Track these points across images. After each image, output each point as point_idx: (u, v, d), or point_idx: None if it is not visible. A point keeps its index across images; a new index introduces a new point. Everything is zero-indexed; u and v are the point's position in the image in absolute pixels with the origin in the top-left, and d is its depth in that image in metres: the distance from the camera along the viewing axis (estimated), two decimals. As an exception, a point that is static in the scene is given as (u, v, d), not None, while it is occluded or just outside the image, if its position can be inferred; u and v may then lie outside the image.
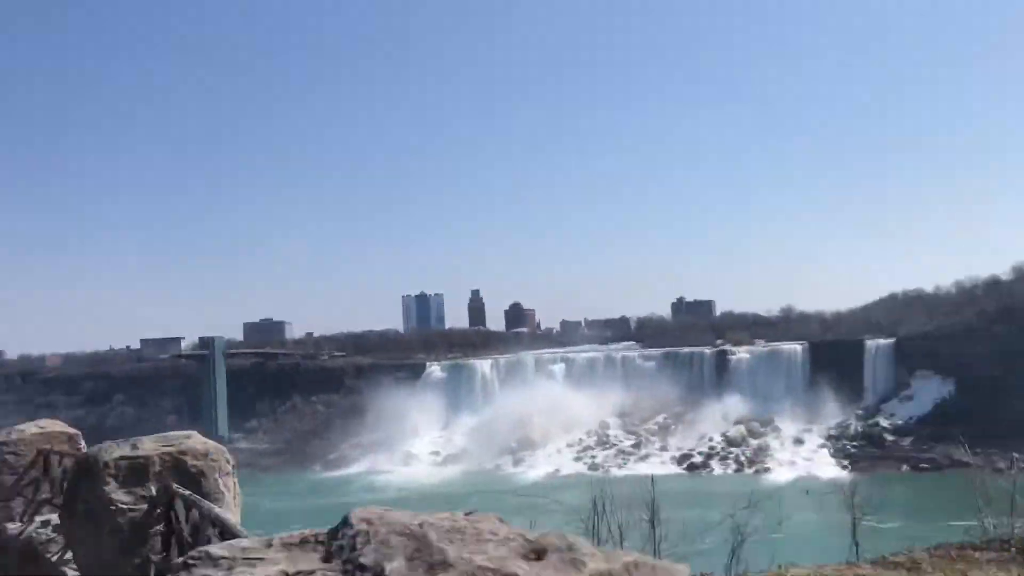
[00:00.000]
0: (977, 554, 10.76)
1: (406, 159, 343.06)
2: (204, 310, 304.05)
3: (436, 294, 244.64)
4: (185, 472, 8.76)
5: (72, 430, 14.58)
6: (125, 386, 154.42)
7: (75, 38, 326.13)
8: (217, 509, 6.36)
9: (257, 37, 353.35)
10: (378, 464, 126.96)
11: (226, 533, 5.67)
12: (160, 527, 8.38)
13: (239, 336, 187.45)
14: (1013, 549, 10.62)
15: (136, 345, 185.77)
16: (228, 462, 9.13)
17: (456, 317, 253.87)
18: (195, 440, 9.07)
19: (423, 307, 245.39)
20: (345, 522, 3.13)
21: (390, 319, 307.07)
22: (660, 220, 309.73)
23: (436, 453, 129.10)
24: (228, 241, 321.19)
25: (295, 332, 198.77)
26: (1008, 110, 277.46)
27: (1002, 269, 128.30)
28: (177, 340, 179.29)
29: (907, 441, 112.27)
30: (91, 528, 8.45)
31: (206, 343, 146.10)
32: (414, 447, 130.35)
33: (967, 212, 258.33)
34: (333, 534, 3.17)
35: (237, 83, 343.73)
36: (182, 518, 7.79)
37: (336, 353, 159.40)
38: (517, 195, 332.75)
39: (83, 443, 14.46)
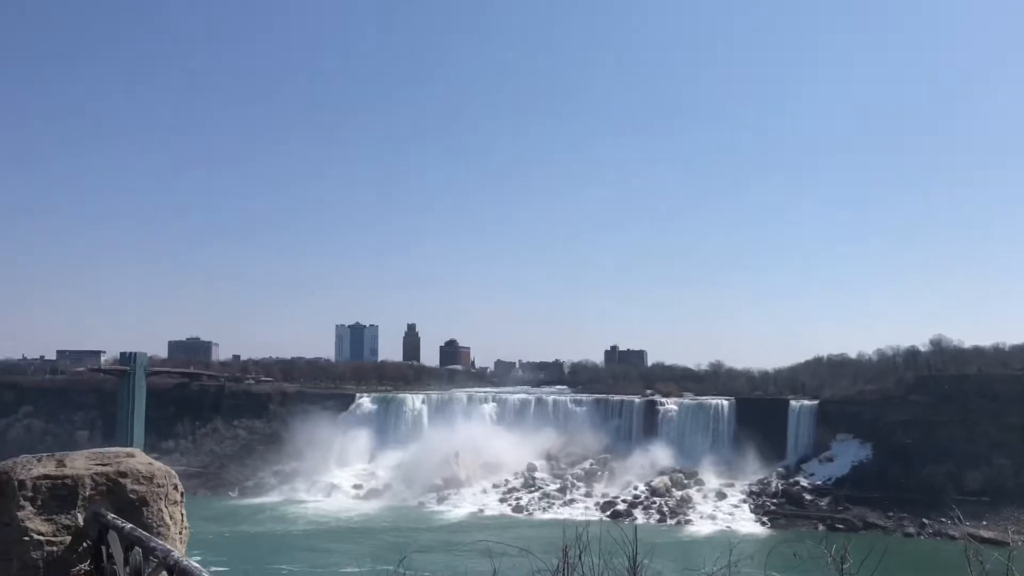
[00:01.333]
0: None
1: (349, 187, 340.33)
2: (127, 325, 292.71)
3: (371, 325, 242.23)
4: (123, 498, 7.59)
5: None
6: (35, 398, 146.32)
7: None
8: (187, 560, 5.33)
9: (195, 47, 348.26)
10: (297, 494, 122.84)
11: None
12: (85, 566, 7.23)
13: (163, 353, 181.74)
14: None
15: (52, 356, 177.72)
16: (177, 488, 7.99)
17: (390, 350, 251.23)
18: (138, 460, 7.88)
19: (357, 338, 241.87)
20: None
21: (322, 348, 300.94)
22: (599, 269, 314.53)
23: (359, 486, 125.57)
24: (157, 255, 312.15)
25: (222, 354, 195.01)
26: (934, 188, 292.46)
27: (921, 341, 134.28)
28: (97, 354, 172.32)
29: (825, 501, 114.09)
30: (-6, 562, 7.10)
31: (127, 359, 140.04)
32: (337, 478, 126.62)
33: (893, 283, 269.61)
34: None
35: (185, 84, 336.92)
36: (117, 557, 6.72)
37: (263, 378, 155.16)
38: (460, 233, 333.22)
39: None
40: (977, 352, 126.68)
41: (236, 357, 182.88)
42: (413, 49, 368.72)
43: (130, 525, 6.92)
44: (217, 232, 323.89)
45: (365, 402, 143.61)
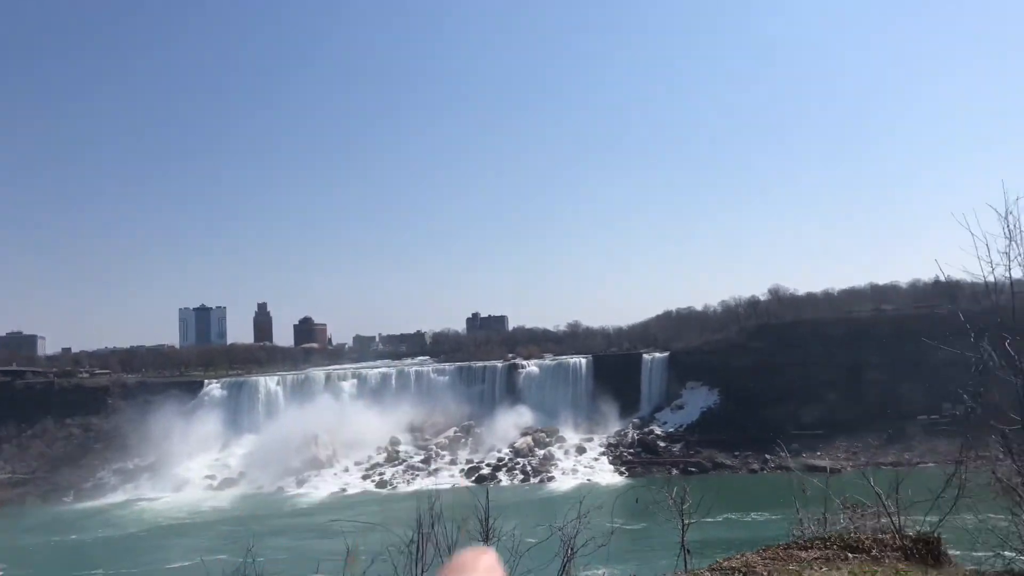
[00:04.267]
0: (803, 553, 10.56)
1: (184, 161, 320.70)
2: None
3: (218, 307, 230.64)
4: None
5: None
6: None
7: None
8: None
9: None
10: (142, 492, 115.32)
11: None
12: None
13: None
14: (834, 546, 10.49)
15: None
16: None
17: (240, 332, 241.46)
18: None
19: (203, 321, 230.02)
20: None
21: (165, 334, 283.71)
22: (456, 237, 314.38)
23: (211, 477, 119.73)
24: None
25: (49, 347, 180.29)
26: (766, 148, 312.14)
27: (761, 291, 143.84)
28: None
29: (677, 447, 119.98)
30: None
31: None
32: (187, 471, 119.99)
33: (734, 237, 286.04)
34: None
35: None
36: None
37: (98, 371, 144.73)
38: (307, 207, 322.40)
39: None
40: (810, 299, 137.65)
41: (66, 350, 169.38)
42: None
43: None
44: (36, 212, 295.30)
45: (214, 388, 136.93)
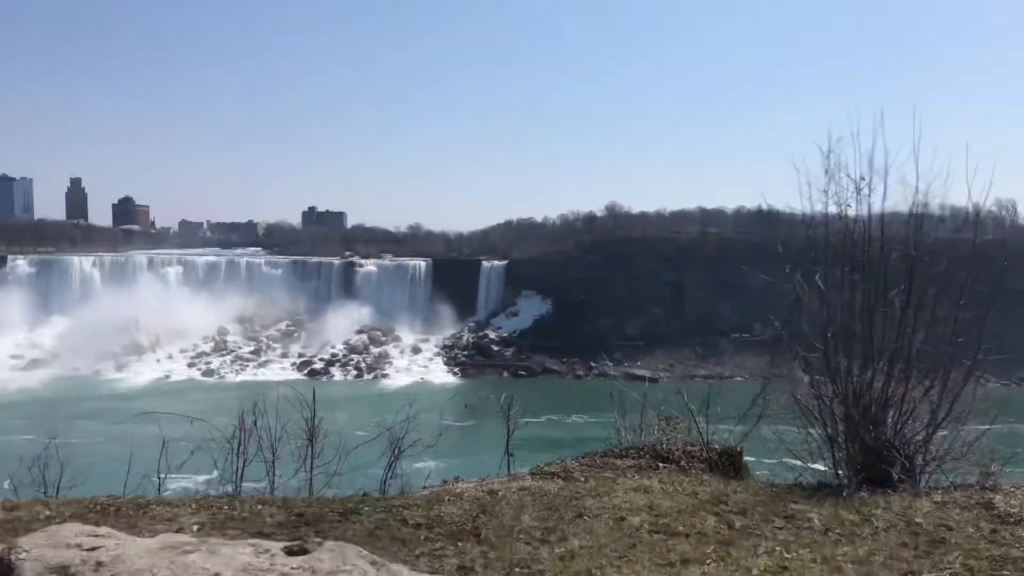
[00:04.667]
0: (619, 461, 11.17)
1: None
2: None
3: (23, 178, 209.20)
4: None
5: None
6: None
7: None
8: None
9: None
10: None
11: None
12: None
13: None
14: (647, 456, 11.19)
15: None
16: None
17: (49, 208, 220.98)
18: None
19: (4, 193, 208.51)
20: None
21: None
22: (296, 127, 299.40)
23: (18, 357, 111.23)
24: None
25: None
26: (610, 75, 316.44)
27: (598, 207, 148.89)
28: None
29: (510, 351, 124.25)
30: None
31: None
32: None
33: (576, 154, 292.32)
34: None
35: None
36: None
37: None
38: (137, 74, 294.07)
39: None
40: (642, 217, 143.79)
41: None
42: None
43: None
44: None
45: (21, 264, 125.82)
